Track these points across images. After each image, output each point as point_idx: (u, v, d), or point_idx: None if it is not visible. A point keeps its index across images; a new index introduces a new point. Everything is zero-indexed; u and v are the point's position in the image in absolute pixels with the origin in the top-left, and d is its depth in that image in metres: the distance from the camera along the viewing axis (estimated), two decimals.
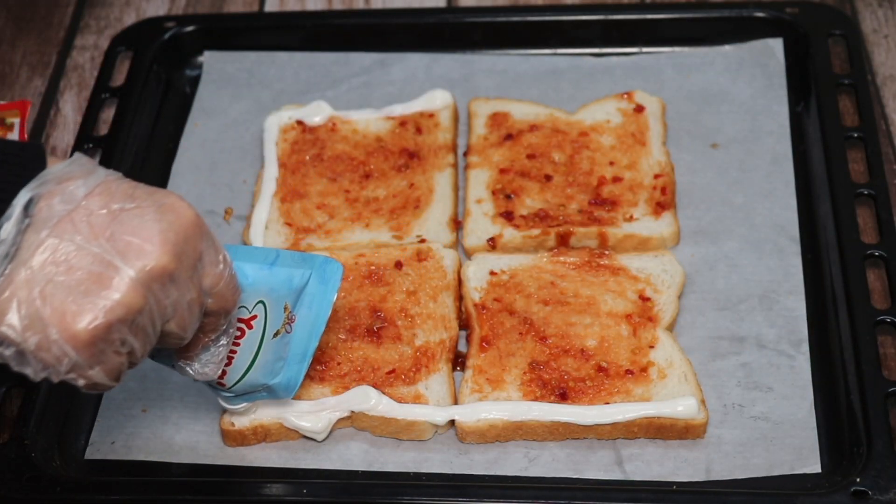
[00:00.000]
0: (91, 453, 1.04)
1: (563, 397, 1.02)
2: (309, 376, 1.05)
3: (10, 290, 0.77)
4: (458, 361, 1.07)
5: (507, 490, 0.98)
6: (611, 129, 1.23)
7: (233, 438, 1.03)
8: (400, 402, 1.02)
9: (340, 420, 1.02)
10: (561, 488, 0.98)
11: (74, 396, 1.06)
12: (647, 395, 1.02)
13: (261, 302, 0.92)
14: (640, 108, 1.24)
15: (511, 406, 1.02)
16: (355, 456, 1.02)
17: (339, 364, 1.06)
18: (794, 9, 1.31)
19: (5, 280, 0.76)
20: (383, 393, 1.03)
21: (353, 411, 1.02)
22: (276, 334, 0.94)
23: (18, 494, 0.98)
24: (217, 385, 0.95)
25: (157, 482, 1.01)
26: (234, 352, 0.92)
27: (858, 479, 0.95)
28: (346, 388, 1.03)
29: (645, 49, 1.33)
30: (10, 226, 0.77)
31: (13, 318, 0.77)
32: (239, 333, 0.92)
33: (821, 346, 1.07)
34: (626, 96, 1.26)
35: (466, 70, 1.33)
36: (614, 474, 1.00)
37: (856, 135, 1.19)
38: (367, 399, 1.02)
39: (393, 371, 1.05)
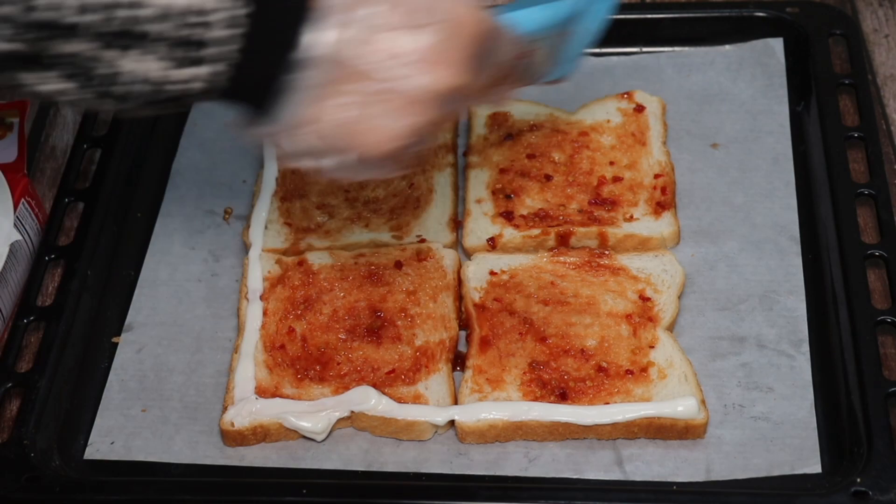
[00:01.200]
0: (90, 453, 1.04)
1: (563, 397, 1.02)
2: (309, 376, 1.05)
3: (321, 111, 0.82)
4: (458, 361, 1.07)
5: (507, 490, 0.98)
6: (611, 129, 1.23)
7: (232, 439, 1.02)
8: (400, 402, 1.02)
9: (340, 420, 1.02)
10: (561, 488, 0.98)
11: (74, 396, 1.06)
12: (648, 396, 1.02)
13: (541, 39, 0.98)
14: (640, 108, 1.24)
15: (511, 406, 1.02)
16: (355, 456, 1.02)
17: (338, 364, 1.05)
18: (795, 8, 1.31)
19: (317, 102, 0.81)
20: (383, 393, 1.03)
21: (352, 411, 1.02)
22: (554, 53, 1.01)
23: (17, 494, 0.98)
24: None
25: (157, 482, 1.01)
26: None
27: (859, 480, 0.95)
28: (346, 389, 1.03)
29: (645, 49, 1.33)
30: (319, 51, 0.79)
31: (330, 138, 0.82)
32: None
33: (821, 346, 1.07)
34: (626, 96, 1.25)
35: None
36: (614, 474, 1.00)
37: (856, 135, 1.19)
38: (367, 399, 1.02)
39: (393, 371, 1.05)
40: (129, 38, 0.77)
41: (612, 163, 1.19)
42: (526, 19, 0.95)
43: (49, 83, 0.79)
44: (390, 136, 0.83)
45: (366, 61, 0.80)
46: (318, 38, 0.80)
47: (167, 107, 0.82)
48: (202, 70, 0.79)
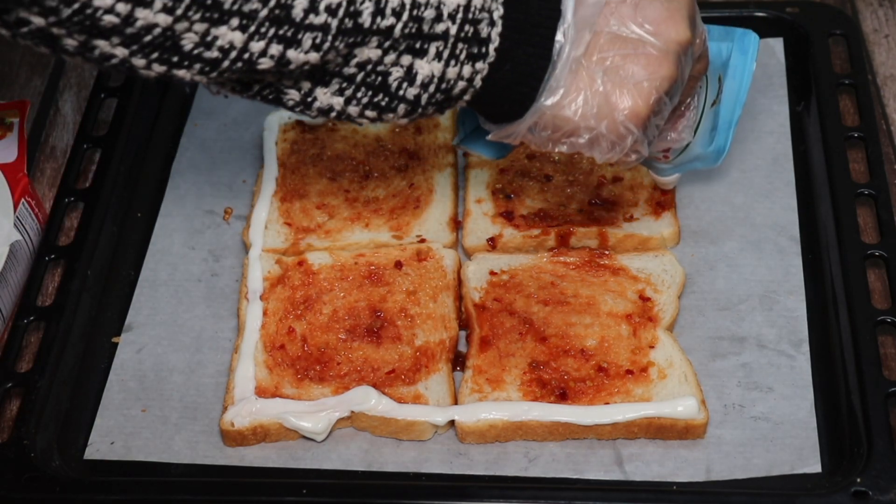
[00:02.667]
0: (90, 453, 1.04)
1: (563, 397, 1.02)
2: (309, 376, 1.05)
3: (576, 86, 0.88)
4: (458, 361, 1.07)
5: (506, 490, 0.98)
6: None
7: (232, 439, 1.02)
8: (400, 402, 1.02)
9: (340, 420, 1.02)
10: (561, 488, 0.98)
11: (74, 397, 1.06)
12: (648, 396, 1.02)
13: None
14: None
15: (511, 406, 1.02)
16: (355, 456, 1.02)
17: (339, 364, 1.06)
18: (795, 8, 1.31)
19: (571, 78, 0.88)
20: (383, 393, 1.03)
21: (352, 411, 1.02)
22: (712, 104, 1.03)
23: (18, 494, 0.98)
24: (661, 159, 1.04)
25: (157, 482, 1.01)
26: None
27: (859, 480, 0.95)
28: (346, 389, 1.03)
29: None
30: (569, 27, 0.86)
31: (585, 109, 0.88)
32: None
33: (821, 346, 1.07)
34: None
35: None
36: (614, 474, 1.00)
37: (856, 135, 1.19)
38: (367, 399, 1.02)
39: (393, 371, 1.05)
40: (419, 39, 0.84)
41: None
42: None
43: (340, 96, 0.85)
44: (645, 91, 0.89)
45: (612, 22, 0.88)
46: (571, 16, 0.87)
47: (430, 110, 0.88)
48: (473, 67, 0.86)
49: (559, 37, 0.87)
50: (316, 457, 1.02)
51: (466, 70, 0.86)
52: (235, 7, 0.76)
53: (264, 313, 1.09)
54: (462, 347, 1.08)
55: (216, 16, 0.76)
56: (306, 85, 0.85)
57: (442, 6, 0.83)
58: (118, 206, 1.20)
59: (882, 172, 1.16)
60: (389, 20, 0.81)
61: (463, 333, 1.09)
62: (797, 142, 1.23)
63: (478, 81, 0.87)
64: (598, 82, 0.88)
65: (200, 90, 1.33)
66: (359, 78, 0.84)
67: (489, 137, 0.94)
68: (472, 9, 0.84)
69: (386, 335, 1.07)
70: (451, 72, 0.85)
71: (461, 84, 0.86)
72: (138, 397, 1.07)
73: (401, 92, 0.85)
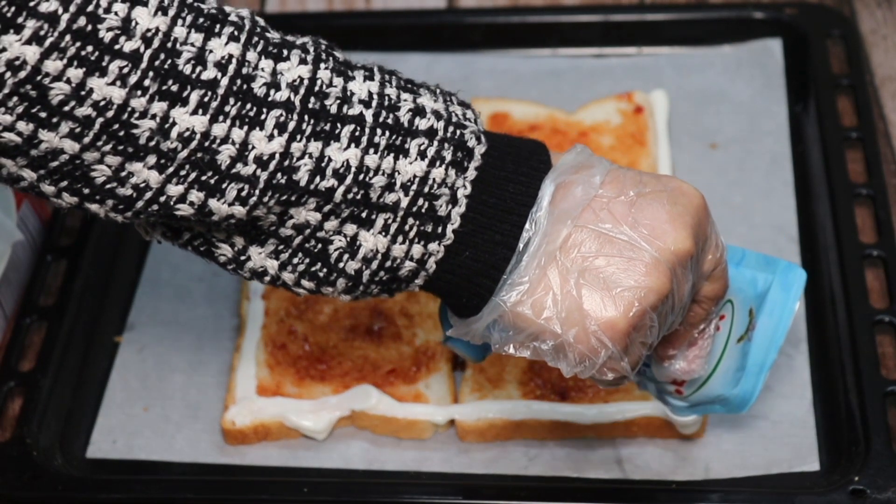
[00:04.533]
0: (92, 452, 1.04)
1: (562, 396, 1.02)
2: (310, 375, 1.05)
3: (544, 284, 0.75)
4: (459, 360, 1.08)
5: (506, 489, 0.98)
6: (610, 130, 1.23)
7: (233, 437, 1.03)
8: (400, 401, 1.03)
9: (341, 419, 1.03)
10: (561, 487, 0.98)
11: (76, 395, 1.07)
12: (647, 395, 1.02)
13: (729, 301, 0.86)
14: (639, 109, 1.25)
15: (511, 405, 1.02)
16: (356, 455, 1.02)
17: (339, 363, 1.06)
18: (793, 9, 1.31)
19: (540, 273, 0.75)
20: (384, 392, 1.03)
21: (353, 410, 1.02)
22: (739, 339, 0.88)
23: (20, 493, 0.98)
24: (674, 393, 0.89)
25: (159, 481, 1.01)
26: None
27: (857, 478, 0.95)
28: (347, 388, 1.04)
29: (644, 50, 1.34)
30: (542, 216, 0.75)
31: (552, 311, 0.75)
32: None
33: (819, 345, 1.07)
34: (625, 96, 1.26)
35: (466, 70, 1.33)
36: (614, 473, 1.00)
37: (854, 135, 1.19)
38: (368, 398, 1.02)
39: (393, 370, 1.05)
40: (365, 207, 0.73)
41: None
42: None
43: (275, 259, 0.75)
44: (627, 302, 0.74)
45: (595, 220, 0.75)
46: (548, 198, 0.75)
47: (372, 289, 0.77)
48: (426, 248, 0.75)
49: (529, 226, 0.75)
50: (317, 455, 1.02)
51: (416, 249, 0.74)
52: (152, 144, 0.68)
53: (266, 313, 1.10)
54: None
55: (130, 150, 0.68)
56: (240, 241, 0.75)
57: (396, 174, 0.72)
58: None
59: (880, 172, 1.16)
60: (330, 181, 0.71)
61: None
62: (795, 142, 1.23)
63: (431, 265, 0.75)
64: (570, 283, 0.74)
65: None
66: (296, 241, 0.74)
67: (448, 332, 0.81)
68: (431, 181, 0.73)
69: (386, 334, 1.08)
70: (398, 249, 0.74)
71: (409, 265, 0.75)
72: (140, 396, 1.07)
73: (341, 264, 0.75)
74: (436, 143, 0.74)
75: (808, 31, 1.29)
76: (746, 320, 0.88)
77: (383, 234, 0.74)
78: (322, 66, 0.72)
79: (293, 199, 0.71)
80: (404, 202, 0.73)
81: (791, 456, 1.00)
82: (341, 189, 0.72)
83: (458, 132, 0.75)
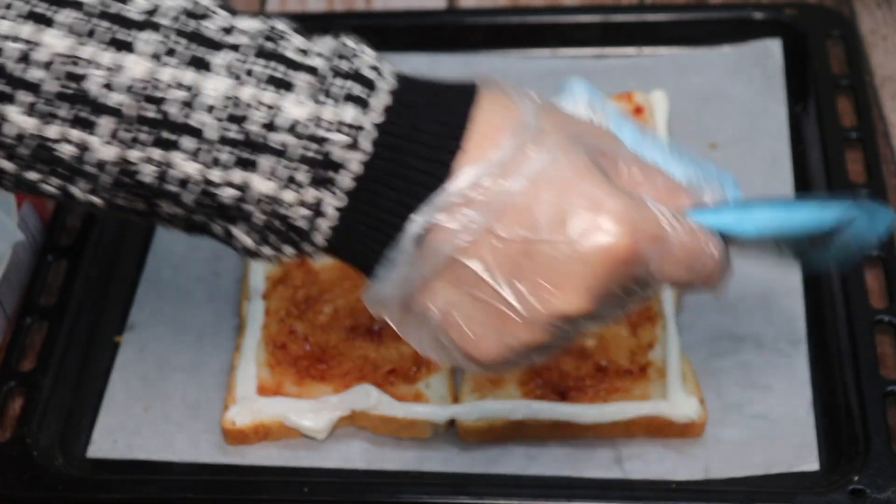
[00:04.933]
0: (93, 452, 1.04)
1: (562, 396, 1.02)
2: (310, 375, 1.05)
3: (420, 301, 0.72)
4: None
5: (506, 489, 0.98)
6: None
7: (234, 437, 1.03)
8: (400, 400, 1.03)
9: (341, 419, 1.03)
10: (561, 487, 0.98)
11: (76, 395, 1.07)
12: (647, 394, 1.02)
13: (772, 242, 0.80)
14: (639, 109, 1.25)
15: (511, 405, 1.02)
16: (356, 454, 1.02)
17: (340, 363, 1.06)
18: (793, 10, 1.31)
19: (412, 313, 0.73)
20: (384, 392, 1.03)
21: (353, 410, 1.02)
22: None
23: (20, 493, 0.98)
24: None
25: (159, 480, 1.01)
26: None
27: (856, 478, 0.95)
28: (347, 387, 1.04)
29: (644, 50, 1.34)
30: (409, 241, 0.70)
31: (420, 341, 0.74)
32: None
33: (819, 345, 1.07)
34: (625, 97, 1.26)
35: (466, 71, 1.33)
36: (614, 473, 1.00)
37: (854, 135, 1.19)
38: (368, 398, 1.02)
39: (393, 370, 1.05)
40: (232, 212, 0.70)
41: None
42: (744, 222, 0.78)
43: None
44: (493, 350, 0.72)
45: (484, 265, 0.69)
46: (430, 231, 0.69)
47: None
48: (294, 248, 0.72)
49: (402, 251, 0.70)
50: (317, 455, 1.02)
51: (287, 250, 0.73)
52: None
53: (266, 312, 1.10)
54: None
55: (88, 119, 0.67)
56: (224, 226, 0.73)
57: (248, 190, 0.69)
58: None
59: (880, 173, 1.16)
60: (176, 188, 0.70)
61: None
62: (795, 142, 1.24)
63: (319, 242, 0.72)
64: (439, 313, 0.72)
65: None
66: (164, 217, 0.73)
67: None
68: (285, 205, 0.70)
69: (387, 334, 1.08)
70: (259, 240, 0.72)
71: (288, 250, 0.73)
72: (140, 396, 1.07)
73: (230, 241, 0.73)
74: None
75: (808, 31, 1.29)
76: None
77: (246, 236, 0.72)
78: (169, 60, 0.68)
79: (148, 196, 0.70)
80: (258, 216, 0.70)
81: (791, 456, 1.00)
82: (191, 197, 0.69)
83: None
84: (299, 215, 0.70)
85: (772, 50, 1.31)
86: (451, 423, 1.03)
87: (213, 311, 1.13)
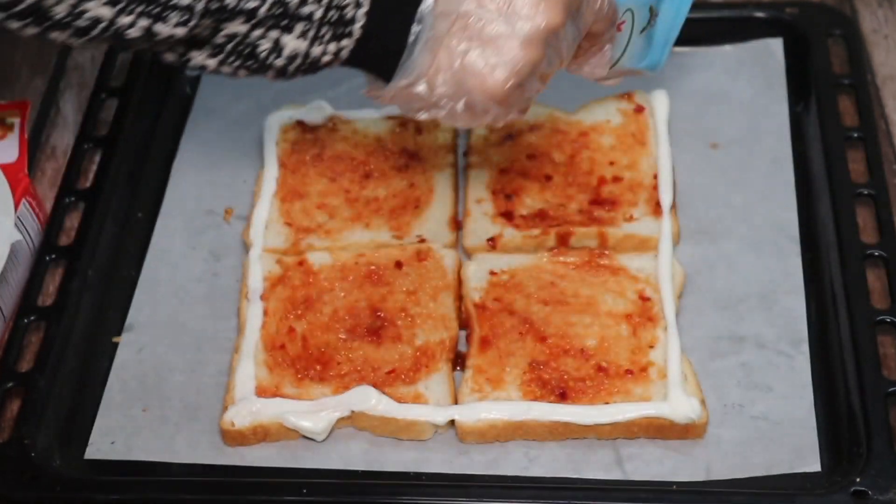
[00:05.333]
0: (91, 453, 1.04)
1: (562, 397, 1.02)
2: (309, 376, 1.05)
3: (434, 65, 0.91)
4: (458, 361, 1.07)
5: (507, 490, 0.98)
6: (611, 129, 1.23)
7: (232, 438, 1.03)
8: (400, 401, 1.02)
9: (340, 420, 1.03)
10: (561, 488, 0.98)
11: (74, 396, 1.07)
12: (647, 395, 1.02)
13: (629, 10, 1.01)
14: (639, 109, 1.25)
15: (511, 406, 1.02)
16: (355, 455, 1.02)
17: (339, 364, 1.06)
18: (794, 9, 1.31)
19: (430, 57, 0.91)
20: (383, 393, 1.03)
21: (353, 411, 1.02)
22: (641, 31, 1.03)
23: (18, 494, 0.98)
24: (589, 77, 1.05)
25: (157, 482, 1.01)
26: None
27: (858, 479, 0.95)
28: (347, 388, 1.04)
29: None
30: (427, 7, 0.90)
31: (442, 88, 0.92)
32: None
33: (820, 345, 1.07)
34: (625, 96, 1.26)
35: None
36: (614, 474, 1.00)
37: (855, 135, 1.19)
38: (367, 399, 1.02)
39: (393, 371, 1.05)
40: (285, 18, 0.88)
41: (611, 163, 1.20)
42: None
43: (213, 59, 0.91)
44: (502, 76, 0.91)
45: (476, 8, 0.90)
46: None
47: (299, 75, 0.93)
48: (339, 45, 0.91)
49: (417, 20, 0.90)
50: (316, 456, 1.02)
51: (331, 47, 0.91)
52: None
53: (265, 313, 1.10)
54: (462, 347, 1.09)
55: None
56: (180, 48, 0.90)
57: None
58: (119, 206, 1.20)
59: (881, 172, 1.16)
60: (254, 2, 0.87)
61: (463, 333, 1.10)
62: (796, 142, 1.23)
63: (345, 54, 0.92)
64: (456, 62, 0.91)
65: (201, 90, 1.33)
66: (229, 47, 0.89)
67: (362, 92, 0.98)
68: None
69: (386, 335, 1.07)
70: (316, 50, 0.90)
71: (327, 58, 0.91)
72: (139, 397, 1.07)
73: (269, 61, 0.91)
74: None
75: (809, 30, 1.29)
76: (647, 15, 1.02)
77: (302, 38, 0.89)
78: None
79: (224, 17, 0.86)
80: (318, 13, 0.88)
81: (792, 457, 0.99)
82: (264, 7, 0.87)
83: None
84: (349, 3, 0.89)
85: (773, 49, 1.31)
86: (451, 424, 1.03)
87: (211, 312, 1.13)
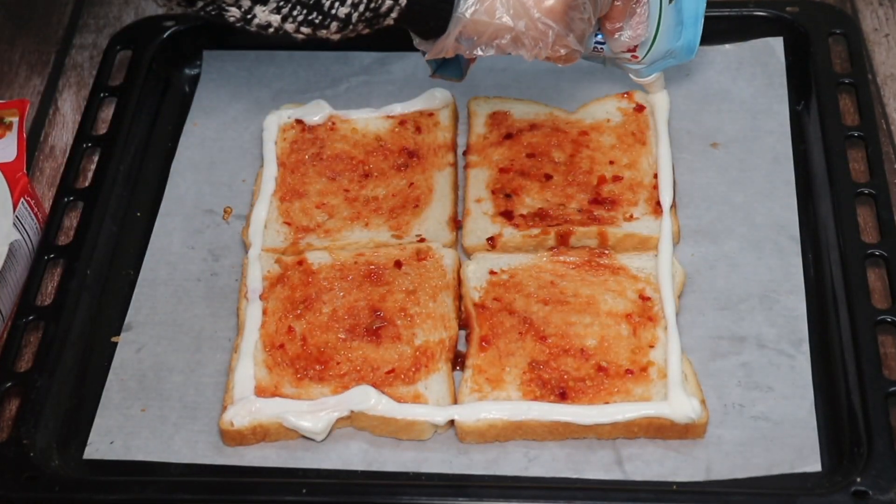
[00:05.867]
0: (90, 453, 1.04)
1: (562, 397, 1.02)
2: (308, 375, 1.05)
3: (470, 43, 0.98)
4: (458, 361, 1.07)
5: (506, 490, 0.98)
6: (611, 129, 1.23)
7: (232, 438, 1.02)
8: (399, 401, 1.02)
9: (340, 420, 1.02)
10: (561, 488, 0.98)
11: (73, 396, 1.06)
12: (647, 395, 1.02)
13: None
14: (639, 108, 1.24)
15: (511, 406, 1.01)
16: (355, 455, 1.02)
17: (338, 364, 1.05)
18: (795, 8, 1.31)
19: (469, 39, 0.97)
20: (383, 393, 1.02)
21: (352, 411, 1.02)
22: (670, 1, 1.07)
23: (17, 494, 0.98)
24: (631, 59, 1.11)
25: (156, 482, 1.01)
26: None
27: (859, 479, 0.95)
28: (346, 388, 1.03)
29: None
30: None
31: (502, 11, 0.97)
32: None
33: (821, 345, 1.07)
34: (625, 96, 1.25)
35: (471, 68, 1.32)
36: (614, 474, 1.00)
37: (856, 134, 1.19)
38: (367, 399, 1.02)
39: (392, 371, 1.05)
40: None
41: (611, 162, 1.19)
42: None
43: (277, 14, 0.94)
44: None
45: None
46: None
47: (361, 27, 0.97)
48: None
49: None
50: (315, 456, 1.02)
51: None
52: None
53: (264, 313, 1.09)
54: (462, 347, 1.08)
55: None
56: (246, 3, 0.93)
57: None
58: (117, 205, 1.20)
59: (882, 172, 1.16)
60: None
61: (462, 333, 1.09)
62: (797, 141, 1.23)
63: (403, 0, 0.95)
64: None
65: (199, 89, 1.33)
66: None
67: (426, 57, 1.03)
68: None
69: (385, 335, 1.07)
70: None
71: (388, 3, 0.95)
72: (138, 397, 1.07)
73: (333, 11, 0.93)
74: None
75: (810, 29, 1.29)
76: None
77: None
78: None
79: None
80: None
81: (793, 457, 0.99)
82: None
83: None
84: None
85: (774, 48, 1.30)
86: (451, 424, 1.03)
87: (210, 312, 1.13)
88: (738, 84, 1.28)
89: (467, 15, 0.97)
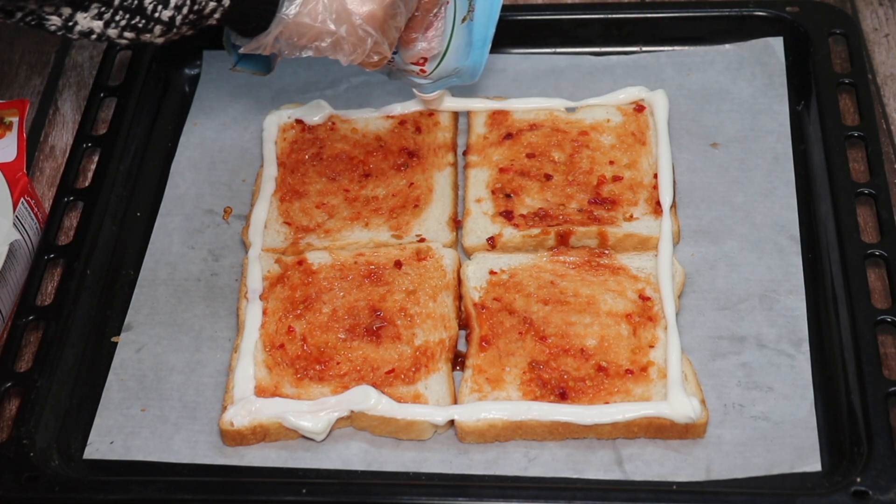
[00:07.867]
0: (90, 453, 1.04)
1: (562, 397, 1.02)
2: (308, 376, 1.05)
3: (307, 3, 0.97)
4: (458, 361, 1.07)
5: (506, 490, 0.98)
6: (611, 129, 1.23)
7: (232, 438, 1.02)
8: (399, 401, 1.02)
9: (340, 420, 1.02)
10: (561, 488, 0.98)
11: (73, 396, 1.06)
12: (647, 395, 1.02)
13: None
14: (639, 108, 1.24)
15: (511, 406, 1.01)
16: (355, 456, 1.02)
17: (338, 364, 1.05)
18: (795, 8, 1.31)
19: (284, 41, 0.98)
20: (383, 393, 1.02)
21: (352, 411, 1.02)
22: (463, 20, 1.09)
23: (17, 494, 0.98)
24: (418, 74, 1.12)
25: (156, 482, 1.00)
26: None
27: (859, 479, 0.95)
28: (346, 388, 1.03)
29: (645, 48, 1.33)
30: None
31: (325, 15, 0.98)
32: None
33: (821, 345, 1.07)
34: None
35: None
36: (614, 474, 1.00)
37: (856, 134, 1.19)
38: (367, 399, 1.02)
39: (392, 371, 1.05)
40: None
41: (611, 162, 1.19)
42: None
43: (100, 20, 0.91)
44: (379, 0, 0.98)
45: None
46: None
47: (185, 30, 0.96)
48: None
49: None
50: (315, 456, 1.02)
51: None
52: None
53: (264, 313, 1.09)
54: (462, 347, 1.08)
55: None
56: (66, 11, 0.90)
57: None
58: (117, 205, 1.20)
59: (882, 171, 1.16)
60: None
61: (463, 333, 1.09)
62: (797, 141, 1.23)
63: (226, 1, 0.95)
64: None
65: (199, 89, 1.33)
66: (116, 2, 0.91)
67: (240, 51, 1.02)
68: None
69: (385, 335, 1.07)
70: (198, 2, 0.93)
71: (212, 4, 0.94)
72: (138, 397, 1.07)
73: (156, 14, 0.92)
74: None
75: (810, 29, 1.29)
76: (466, 5, 1.09)
77: None
78: None
79: None
80: None
81: (793, 457, 0.99)
82: None
83: None
84: None
85: (773, 48, 1.30)
86: (451, 424, 1.03)
87: (210, 312, 1.13)
88: (738, 84, 1.28)
89: (290, 16, 0.98)
